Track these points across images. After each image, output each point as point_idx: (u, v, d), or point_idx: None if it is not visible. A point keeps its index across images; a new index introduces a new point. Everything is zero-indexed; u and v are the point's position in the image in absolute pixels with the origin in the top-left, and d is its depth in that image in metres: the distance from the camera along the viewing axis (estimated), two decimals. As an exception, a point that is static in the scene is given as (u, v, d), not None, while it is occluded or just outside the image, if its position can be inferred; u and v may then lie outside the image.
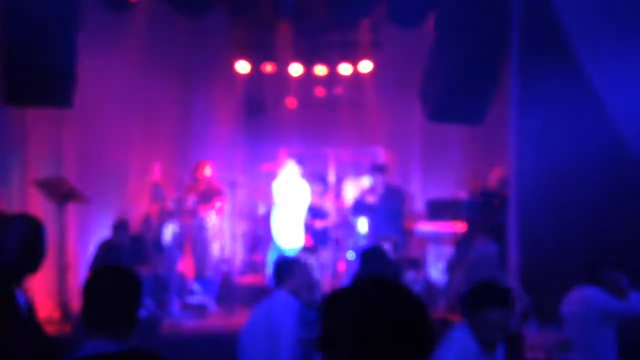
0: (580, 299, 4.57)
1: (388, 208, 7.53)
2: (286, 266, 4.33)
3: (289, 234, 7.12)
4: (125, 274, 2.41)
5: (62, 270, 6.22)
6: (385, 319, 1.41)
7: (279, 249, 6.96)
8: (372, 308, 1.42)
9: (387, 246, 5.34)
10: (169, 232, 7.79)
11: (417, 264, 8.34)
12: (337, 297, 1.49)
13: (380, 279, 1.55)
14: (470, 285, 3.26)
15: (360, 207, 7.74)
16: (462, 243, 7.90)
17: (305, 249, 5.15)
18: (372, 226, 7.19)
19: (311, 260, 4.74)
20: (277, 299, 4.21)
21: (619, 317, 4.48)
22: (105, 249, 7.26)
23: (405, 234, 7.88)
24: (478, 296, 3.09)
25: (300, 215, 7.20)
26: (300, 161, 7.30)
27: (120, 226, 7.34)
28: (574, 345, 4.55)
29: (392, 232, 7.31)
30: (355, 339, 1.40)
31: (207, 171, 8.15)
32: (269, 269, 6.81)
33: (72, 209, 7.04)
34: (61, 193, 6.34)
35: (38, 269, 2.95)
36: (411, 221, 9.54)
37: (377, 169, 7.81)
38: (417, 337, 1.43)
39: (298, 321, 4.04)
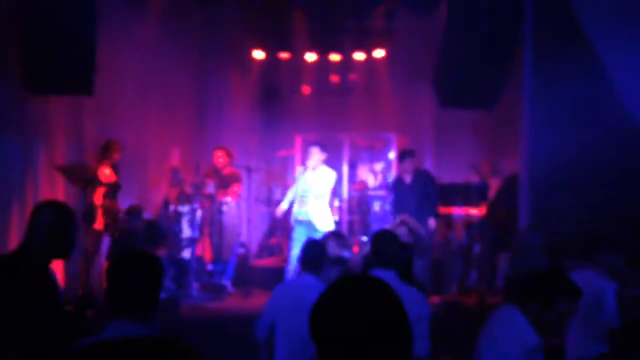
0: (578, 280, 4.58)
1: (423, 191, 7.68)
2: (314, 249, 4.44)
3: (317, 219, 7.27)
4: (147, 257, 2.46)
5: (85, 256, 6.39)
6: (369, 314, 1.53)
7: (304, 234, 7.09)
8: (356, 306, 1.55)
9: (402, 229, 5.40)
10: (187, 216, 7.96)
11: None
12: (325, 296, 1.61)
13: (362, 278, 1.71)
14: (519, 272, 3.23)
15: (399, 186, 7.86)
16: (481, 227, 8.00)
17: (333, 233, 5.24)
18: (408, 208, 7.31)
19: (340, 243, 4.84)
20: (305, 281, 4.33)
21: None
22: (120, 234, 7.43)
23: (439, 218, 8.03)
24: (552, 285, 3.01)
25: (326, 201, 7.34)
26: (324, 148, 7.41)
27: (133, 212, 7.46)
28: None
29: (429, 215, 7.52)
30: (343, 336, 1.52)
31: (225, 157, 8.30)
32: (295, 253, 6.92)
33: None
34: (84, 179, 6.49)
35: (70, 254, 3.08)
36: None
37: (407, 154, 7.89)
38: (399, 331, 1.56)
39: None
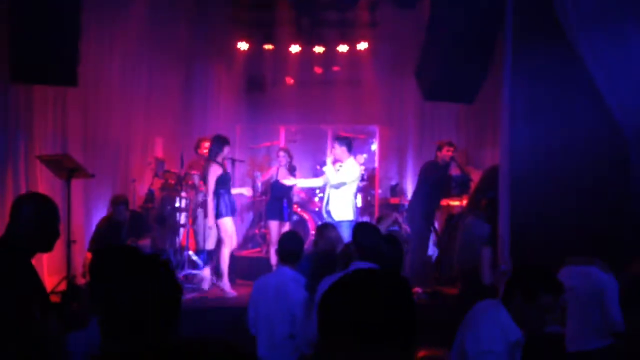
0: (581, 274, 4.55)
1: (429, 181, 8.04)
2: (291, 240, 4.51)
3: (333, 209, 7.49)
4: (129, 251, 2.44)
5: (68, 246, 6.37)
6: (382, 307, 1.57)
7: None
8: (370, 298, 1.58)
9: (387, 222, 5.48)
10: (170, 206, 7.99)
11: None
12: (337, 287, 1.63)
13: (376, 271, 1.76)
14: (469, 261, 3.26)
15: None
16: (462, 218, 8.14)
17: (326, 225, 5.33)
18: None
19: (332, 234, 4.93)
20: (283, 274, 4.41)
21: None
22: (105, 224, 7.43)
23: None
24: (533, 281, 3.05)
25: (347, 192, 7.52)
26: (345, 142, 7.61)
27: (118, 202, 7.45)
28: (569, 317, 4.51)
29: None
30: (354, 327, 1.55)
31: (208, 147, 8.31)
32: None
33: (76, 184, 7.19)
34: (67, 169, 6.48)
35: (51, 247, 3.05)
36: (404, 197, 9.79)
37: None
38: (408, 323, 1.61)
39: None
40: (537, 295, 2.99)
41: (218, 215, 7.45)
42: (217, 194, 7.38)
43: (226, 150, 7.51)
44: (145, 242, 7.54)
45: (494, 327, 3.05)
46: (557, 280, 3.11)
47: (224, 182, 7.45)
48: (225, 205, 7.44)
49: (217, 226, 7.51)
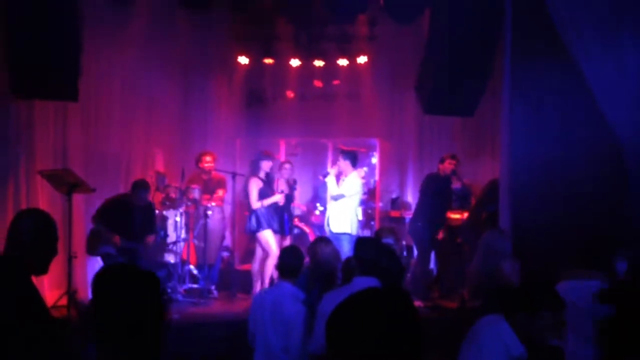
0: (582, 289, 4.58)
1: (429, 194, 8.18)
2: (291, 255, 4.52)
3: (332, 221, 7.60)
4: (135, 272, 2.51)
5: (69, 260, 6.37)
6: (387, 323, 1.68)
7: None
8: (375, 315, 1.69)
9: (390, 239, 5.47)
10: (172, 220, 7.99)
11: (412, 250, 8.61)
12: (347, 305, 1.75)
13: (381, 290, 1.88)
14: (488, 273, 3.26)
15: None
16: (463, 231, 8.15)
17: (321, 238, 5.33)
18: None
19: (326, 249, 4.92)
20: (282, 289, 4.41)
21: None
22: (117, 203, 7.19)
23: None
24: (535, 297, 3.10)
25: (348, 205, 7.61)
26: (350, 157, 7.69)
27: (141, 186, 7.20)
28: (569, 331, 4.52)
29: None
30: (361, 341, 1.66)
31: (209, 161, 8.35)
32: None
33: (77, 199, 7.20)
34: (68, 184, 6.49)
35: (47, 268, 3.00)
36: (404, 210, 9.80)
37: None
38: (413, 337, 1.71)
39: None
40: (539, 311, 3.03)
41: (257, 229, 7.65)
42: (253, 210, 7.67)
43: (264, 164, 7.79)
44: (152, 240, 7.51)
45: (497, 342, 3.08)
46: (559, 297, 3.16)
47: (262, 196, 7.68)
48: (263, 218, 7.64)
49: (258, 240, 7.72)
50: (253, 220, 7.69)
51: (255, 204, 7.66)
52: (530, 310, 3.06)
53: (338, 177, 7.71)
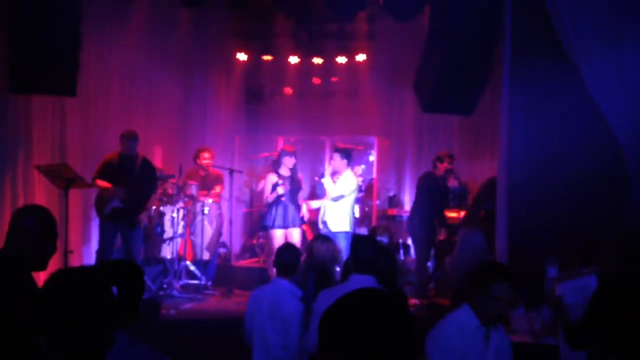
0: (581, 289, 4.60)
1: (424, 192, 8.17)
2: (288, 253, 4.51)
3: (331, 221, 7.59)
4: (128, 266, 2.52)
5: (65, 256, 6.36)
6: (380, 323, 1.68)
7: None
8: (368, 315, 1.70)
9: (384, 237, 5.48)
10: (169, 216, 7.99)
11: (408, 248, 8.63)
12: (337, 307, 1.75)
13: (374, 290, 1.86)
14: (464, 270, 3.36)
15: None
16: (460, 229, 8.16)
17: (319, 236, 5.32)
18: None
19: (322, 247, 4.91)
20: (279, 286, 4.42)
21: None
22: (115, 160, 7.18)
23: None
24: (484, 273, 3.24)
25: (345, 204, 7.61)
26: (345, 154, 7.67)
27: (129, 136, 7.18)
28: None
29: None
30: (353, 341, 1.66)
31: (207, 157, 8.35)
32: None
33: (75, 194, 7.19)
34: (65, 179, 6.47)
35: (46, 264, 3.00)
36: (401, 208, 9.81)
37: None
38: (404, 338, 1.71)
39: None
40: (487, 286, 3.15)
41: (266, 227, 7.68)
42: (269, 204, 7.65)
43: (286, 160, 7.70)
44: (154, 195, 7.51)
45: (451, 326, 3.21)
46: (506, 268, 3.37)
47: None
48: (273, 217, 7.62)
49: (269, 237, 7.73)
50: (267, 216, 7.70)
51: (266, 199, 7.69)
52: (479, 286, 3.18)
53: (332, 176, 7.68)
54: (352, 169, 8.06)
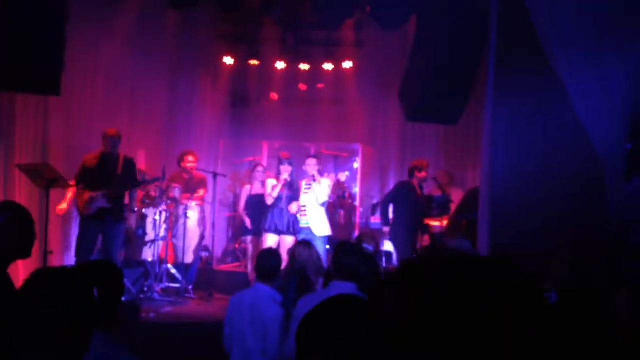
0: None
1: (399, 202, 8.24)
2: (268, 258, 4.50)
3: (315, 226, 7.64)
4: (107, 267, 2.51)
5: (45, 256, 6.29)
6: (356, 331, 1.70)
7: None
8: (344, 323, 1.72)
9: (370, 246, 5.48)
10: (151, 218, 7.94)
11: (390, 255, 8.65)
12: (316, 313, 1.78)
13: (351, 297, 1.87)
14: None
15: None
16: (442, 238, 8.20)
17: (301, 242, 5.31)
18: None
19: (304, 252, 4.90)
20: (259, 291, 4.40)
21: None
22: (96, 159, 7.09)
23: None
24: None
25: (322, 208, 7.69)
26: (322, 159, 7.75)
27: (110, 135, 7.14)
28: None
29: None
30: (330, 348, 1.69)
31: (192, 161, 8.31)
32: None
33: (55, 194, 7.12)
34: (46, 179, 6.41)
35: (29, 252, 2.99)
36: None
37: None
38: (383, 345, 1.67)
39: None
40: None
41: (259, 232, 7.73)
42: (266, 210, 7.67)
43: (282, 168, 7.69)
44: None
45: None
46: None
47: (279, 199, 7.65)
48: (265, 221, 7.64)
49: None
50: (262, 219, 7.76)
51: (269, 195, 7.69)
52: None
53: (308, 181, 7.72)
54: (337, 176, 8.13)
